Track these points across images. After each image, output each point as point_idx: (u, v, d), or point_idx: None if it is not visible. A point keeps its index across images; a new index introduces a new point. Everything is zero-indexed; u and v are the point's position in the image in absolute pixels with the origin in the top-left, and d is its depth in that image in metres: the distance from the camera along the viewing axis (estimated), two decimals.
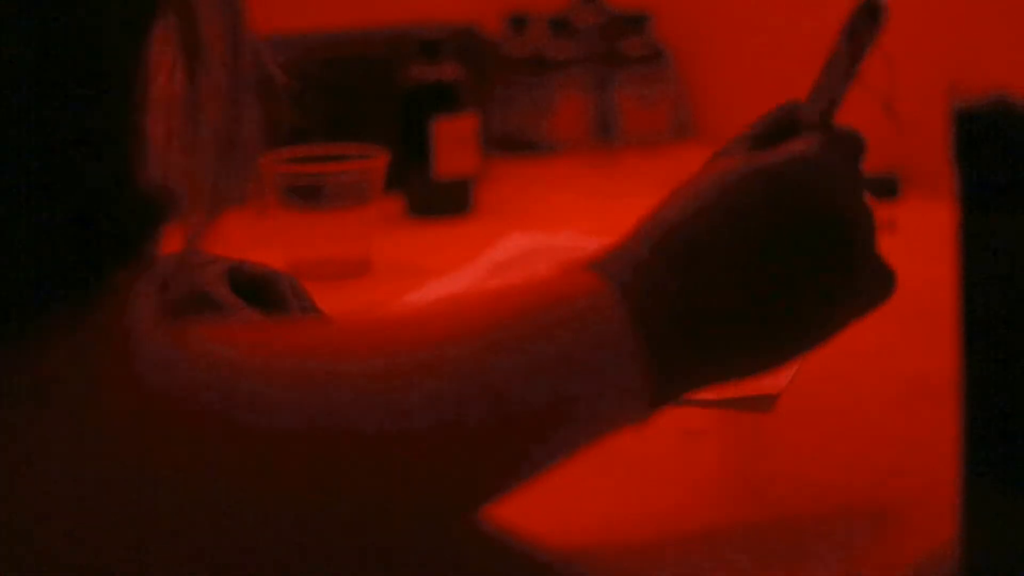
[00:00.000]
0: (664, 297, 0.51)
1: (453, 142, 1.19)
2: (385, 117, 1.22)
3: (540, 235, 1.09)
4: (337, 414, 0.44)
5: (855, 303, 0.57)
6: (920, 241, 1.04)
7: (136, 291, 0.42)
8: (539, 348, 0.48)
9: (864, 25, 0.58)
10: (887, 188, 1.19)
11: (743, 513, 0.58)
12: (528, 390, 0.47)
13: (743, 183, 0.56)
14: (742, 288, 0.53)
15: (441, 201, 1.20)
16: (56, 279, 0.40)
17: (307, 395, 0.43)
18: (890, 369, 0.75)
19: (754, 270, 0.53)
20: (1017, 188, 0.42)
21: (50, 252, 0.39)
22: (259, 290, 0.77)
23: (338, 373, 0.44)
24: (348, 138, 1.07)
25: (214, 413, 0.42)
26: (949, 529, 0.47)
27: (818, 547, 0.55)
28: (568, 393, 0.49)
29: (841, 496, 0.59)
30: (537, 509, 0.59)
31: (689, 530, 0.57)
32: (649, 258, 0.53)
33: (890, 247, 1.04)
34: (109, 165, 0.42)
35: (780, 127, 0.61)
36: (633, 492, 0.61)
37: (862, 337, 0.82)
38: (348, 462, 0.44)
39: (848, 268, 0.56)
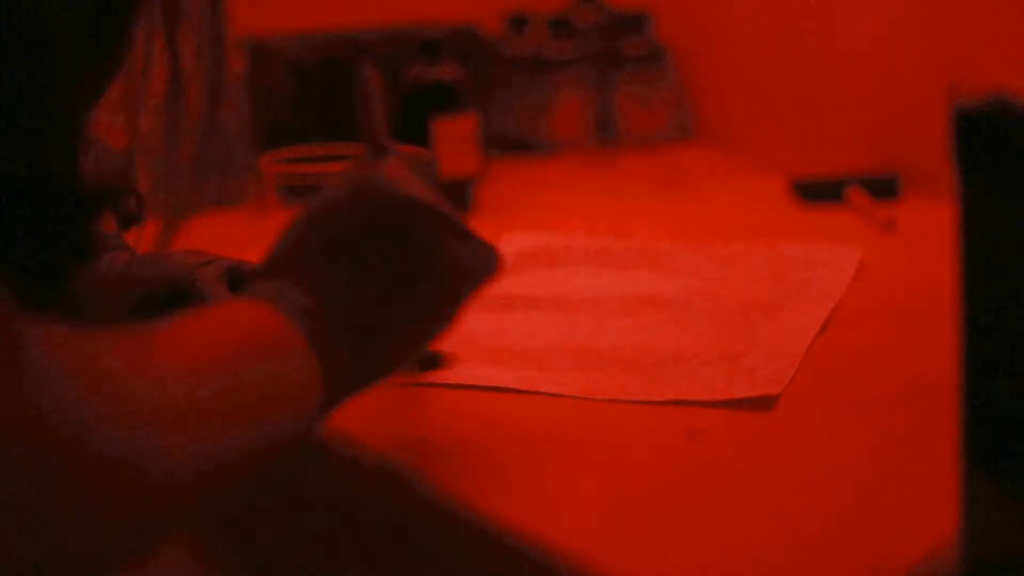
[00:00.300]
0: (320, 318, 0.59)
1: (453, 142, 1.19)
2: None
3: (541, 235, 1.09)
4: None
5: (462, 278, 0.64)
6: (920, 241, 1.04)
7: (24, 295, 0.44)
8: (241, 380, 0.54)
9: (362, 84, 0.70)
10: (887, 188, 1.19)
11: (743, 513, 0.58)
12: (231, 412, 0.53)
13: (346, 202, 0.64)
14: (358, 288, 0.61)
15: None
16: None
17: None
18: (890, 369, 0.75)
19: (356, 269, 0.61)
20: (1017, 188, 0.42)
21: None
22: None
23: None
24: (348, 138, 1.07)
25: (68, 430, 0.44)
26: (949, 529, 0.47)
27: (818, 547, 0.55)
28: (271, 419, 0.55)
29: (841, 496, 0.60)
30: (537, 509, 0.59)
31: (689, 530, 0.57)
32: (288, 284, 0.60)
33: (890, 247, 1.04)
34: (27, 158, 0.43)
35: None
36: (633, 492, 0.61)
37: (862, 337, 0.82)
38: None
39: (437, 249, 0.63)
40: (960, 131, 0.43)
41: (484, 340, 0.81)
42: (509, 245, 1.06)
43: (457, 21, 1.44)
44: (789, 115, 1.39)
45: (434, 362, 0.75)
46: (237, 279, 0.77)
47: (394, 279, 0.62)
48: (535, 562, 0.56)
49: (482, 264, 0.66)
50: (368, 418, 0.71)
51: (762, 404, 0.70)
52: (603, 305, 0.88)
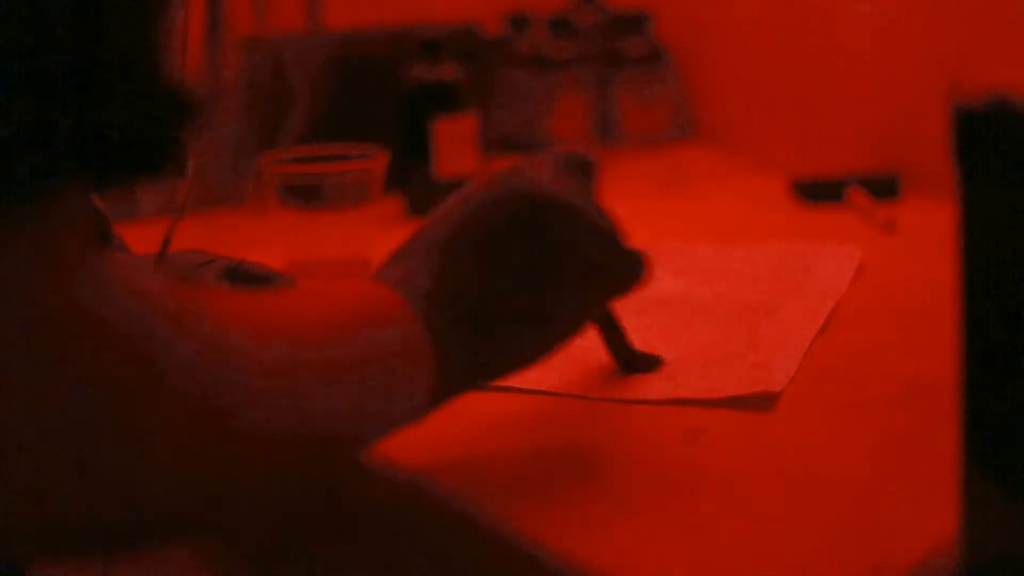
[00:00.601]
0: (441, 306, 0.57)
1: (453, 142, 1.19)
2: (385, 117, 1.22)
3: None
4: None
5: (595, 282, 0.64)
6: (920, 241, 1.04)
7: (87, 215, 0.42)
8: (359, 356, 0.53)
9: None
10: (887, 188, 1.19)
11: (743, 513, 0.58)
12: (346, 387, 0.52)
13: (480, 198, 0.63)
14: (482, 281, 0.59)
15: (441, 201, 1.20)
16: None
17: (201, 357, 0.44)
18: (890, 369, 0.75)
19: (483, 262, 0.60)
20: (1017, 188, 0.42)
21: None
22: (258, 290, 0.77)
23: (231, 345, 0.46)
24: (348, 138, 1.07)
25: (127, 346, 0.42)
26: (949, 529, 0.47)
27: (818, 547, 0.55)
28: (375, 392, 0.54)
29: (841, 496, 0.59)
30: (537, 509, 0.59)
31: (689, 530, 0.57)
32: (425, 277, 0.59)
33: (890, 247, 1.04)
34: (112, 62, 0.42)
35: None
36: (633, 492, 0.61)
37: (862, 337, 0.82)
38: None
39: (570, 250, 0.61)
40: (960, 131, 0.43)
41: None
42: None
43: (457, 21, 1.44)
44: (789, 115, 1.39)
45: (650, 364, 0.75)
46: (238, 279, 0.77)
47: (522, 277, 0.60)
48: (534, 562, 0.56)
49: (624, 270, 0.65)
50: None
51: (762, 404, 0.70)
52: None
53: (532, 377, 0.74)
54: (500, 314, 0.59)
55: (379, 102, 1.26)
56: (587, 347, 0.80)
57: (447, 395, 0.58)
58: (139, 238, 0.79)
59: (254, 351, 0.47)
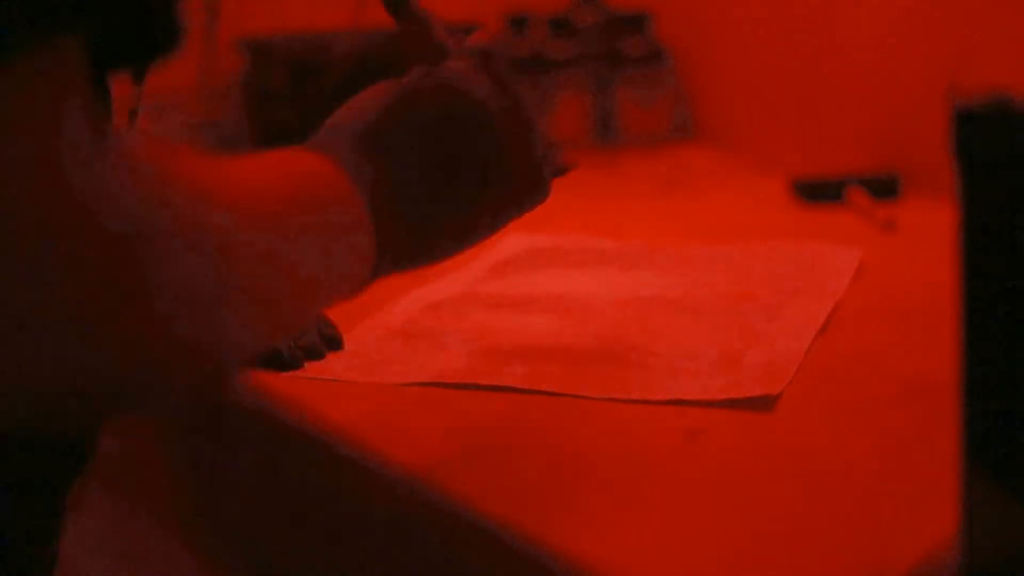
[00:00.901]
0: (375, 183, 0.60)
1: None
2: None
3: (541, 235, 1.09)
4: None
5: (511, 196, 0.67)
6: (920, 241, 1.04)
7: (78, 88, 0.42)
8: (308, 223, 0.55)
9: None
10: (887, 188, 1.19)
11: (743, 513, 0.58)
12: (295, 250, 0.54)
13: (414, 90, 0.65)
14: (426, 171, 0.62)
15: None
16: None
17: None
18: (890, 369, 0.75)
19: (431, 154, 0.63)
20: (1017, 188, 0.42)
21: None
22: None
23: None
24: None
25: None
26: (949, 529, 0.47)
27: (818, 547, 0.55)
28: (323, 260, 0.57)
29: (841, 496, 0.60)
30: (536, 509, 0.59)
31: (689, 530, 0.57)
32: (357, 152, 0.61)
33: (890, 247, 1.04)
34: None
35: None
36: (633, 492, 0.61)
37: (862, 337, 0.82)
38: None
39: (500, 159, 0.65)
40: (960, 131, 0.43)
41: (484, 340, 0.81)
42: (509, 245, 1.06)
43: (457, 21, 1.44)
44: (789, 115, 1.39)
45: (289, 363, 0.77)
46: None
47: (451, 172, 0.63)
48: (534, 562, 0.56)
49: (534, 191, 0.68)
50: (368, 418, 0.71)
51: (762, 404, 0.70)
52: (602, 305, 0.88)
53: (533, 376, 0.74)
54: (429, 205, 0.62)
55: None
56: (587, 347, 0.80)
57: (378, 275, 0.61)
58: None
59: (225, 236, 0.48)
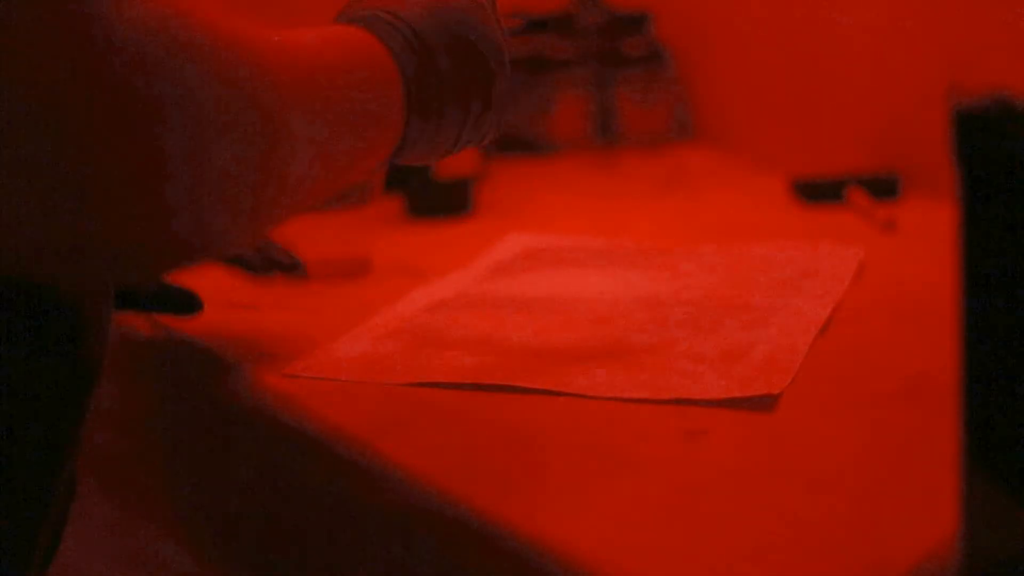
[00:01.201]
0: (417, 72, 0.66)
1: None
2: None
3: (541, 235, 1.09)
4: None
5: (496, 106, 0.72)
6: (920, 241, 1.04)
7: None
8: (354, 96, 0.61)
9: None
10: (887, 188, 1.19)
11: (743, 513, 0.58)
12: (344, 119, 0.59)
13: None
14: (452, 79, 0.68)
15: (441, 201, 1.20)
16: None
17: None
18: (890, 369, 0.75)
19: (458, 63, 0.68)
20: (1017, 188, 0.42)
21: None
22: None
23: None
24: None
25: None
26: (949, 529, 0.47)
27: (818, 547, 0.55)
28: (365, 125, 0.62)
29: (841, 496, 0.60)
30: (536, 509, 0.59)
31: (688, 530, 0.57)
32: (410, 44, 0.66)
33: (890, 247, 1.04)
34: None
35: None
36: (633, 492, 0.61)
37: (862, 337, 0.82)
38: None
39: (499, 84, 0.71)
40: (960, 131, 0.43)
41: (484, 339, 0.81)
42: (509, 245, 1.06)
43: None
44: (789, 115, 1.39)
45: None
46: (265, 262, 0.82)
47: (464, 76, 0.68)
48: (534, 562, 0.56)
49: (502, 113, 0.73)
50: (368, 418, 0.71)
51: (762, 404, 0.70)
52: (603, 305, 0.88)
53: (533, 376, 0.74)
54: (447, 102, 0.68)
55: None
56: (587, 346, 0.80)
57: (398, 157, 0.66)
58: None
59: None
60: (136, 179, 0.42)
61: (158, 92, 0.42)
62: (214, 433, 0.80)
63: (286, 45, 0.55)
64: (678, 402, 0.71)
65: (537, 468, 0.64)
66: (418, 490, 0.63)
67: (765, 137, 1.42)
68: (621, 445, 0.67)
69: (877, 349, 0.79)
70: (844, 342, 0.81)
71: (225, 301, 0.88)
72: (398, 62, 0.64)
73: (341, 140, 0.58)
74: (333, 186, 0.61)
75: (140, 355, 0.87)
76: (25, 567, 0.60)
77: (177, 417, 0.85)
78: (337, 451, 0.68)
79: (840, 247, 1.01)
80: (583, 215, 1.20)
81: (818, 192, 1.20)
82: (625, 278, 0.95)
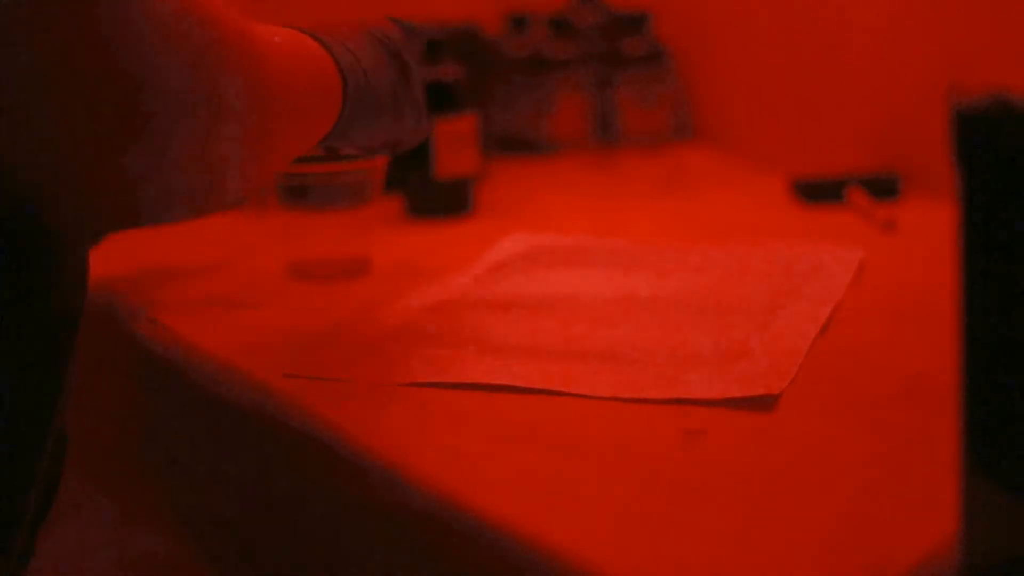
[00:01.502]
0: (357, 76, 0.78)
1: (453, 142, 1.19)
2: None
3: (540, 235, 1.09)
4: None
5: (413, 132, 0.86)
6: (920, 241, 1.04)
7: None
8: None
9: None
10: (887, 188, 1.19)
11: (743, 513, 0.58)
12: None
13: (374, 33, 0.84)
14: (374, 86, 0.80)
15: (441, 201, 1.20)
16: None
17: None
18: (890, 369, 0.75)
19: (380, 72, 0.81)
20: (1017, 188, 0.42)
21: None
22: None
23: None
24: None
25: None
26: (949, 529, 0.47)
27: (818, 547, 0.55)
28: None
29: (841, 496, 0.59)
30: (536, 509, 0.59)
31: (688, 530, 0.57)
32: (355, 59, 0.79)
33: (890, 247, 1.04)
34: None
35: None
36: (632, 492, 0.61)
37: (862, 337, 0.82)
38: None
39: (414, 106, 0.85)
40: (960, 131, 0.43)
41: (484, 339, 0.81)
42: (509, 245, 1.06)
43: (457, 21, 1.44)
44: (789, 115, 1.39)
45: None
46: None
47: (396, 102, 0.82)
48: (534, 562, 0.56)
49: (421, 131, 0.86)
50: (368, 418, 0.71)
51: (762, 404, 0.70)
52: (603, 305, 0.88)
53: (533, 376, 0.74)
54: (376, 110, 0.80)
55: None
56: (587, 346, 0.80)
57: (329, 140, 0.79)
58: None
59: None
60: (119, 138, 0.52)
61: (159, 80, 0.51)
62: (213, 433, 0.80)
63: (271, 40, 0.66)
64: (678, 402, 0.71)
65: (536, 468, 0.64)
66: (418, 490, 0.63)
67: (765, 137, 1.42)
68: (621, 445, 0.67)
69: (877, 349, 0.79)
70: (844, 342, 0.81)
71: (225, 301, 0.88)
72: (336, 60, 0.76)
73: (302, 120, 0.71)
74: (284, 163, 0.73)
75: (140, 355, 0.87)
76: (17, 523, 0.60)
77: (177, 417, 0.85)
78: (337, 451, 0.68)
79: (840, 247, 1.01)
80: (583, 215, 1.20)
81: (818, 192, 1.20)
82: (625, 278, 0.95)
